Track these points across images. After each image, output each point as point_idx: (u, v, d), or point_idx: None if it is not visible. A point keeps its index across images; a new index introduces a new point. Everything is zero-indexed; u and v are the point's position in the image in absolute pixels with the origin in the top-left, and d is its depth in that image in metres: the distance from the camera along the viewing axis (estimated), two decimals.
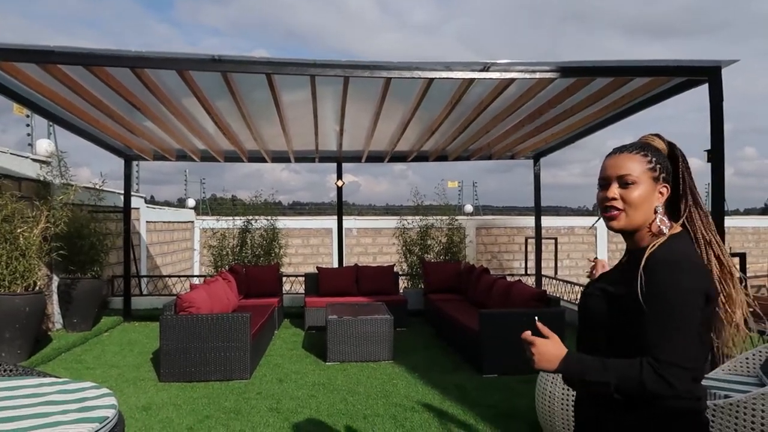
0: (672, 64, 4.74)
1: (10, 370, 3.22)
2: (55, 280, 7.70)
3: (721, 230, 4.78)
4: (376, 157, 9.61)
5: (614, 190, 1.63)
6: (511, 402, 4.87)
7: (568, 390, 3.68)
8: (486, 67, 4.64)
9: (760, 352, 3.83)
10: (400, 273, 10.41)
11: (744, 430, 3.17)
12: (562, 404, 3.70)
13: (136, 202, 11.13)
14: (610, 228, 1.68)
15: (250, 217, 10.68)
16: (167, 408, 4.74)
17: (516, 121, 6.85)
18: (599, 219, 1.76)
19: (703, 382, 4.15)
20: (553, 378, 3.76)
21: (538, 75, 4.72)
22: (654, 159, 1.63)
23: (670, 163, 1.66)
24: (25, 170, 7.23)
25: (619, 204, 1.62)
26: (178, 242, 14.11)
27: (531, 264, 11.61)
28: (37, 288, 6.44)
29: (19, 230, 6.28)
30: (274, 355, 6.70)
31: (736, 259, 5.75)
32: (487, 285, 7.31)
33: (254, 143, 8.18)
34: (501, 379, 5.59)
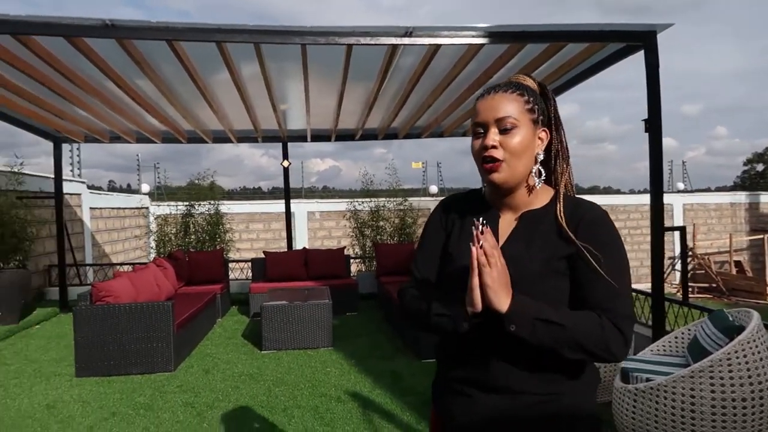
0: (606, 28, 4.47)
1: None
2: None
3: (659, 204, 4.55)
4: (321, 136, 9.20)
5: (493, 136, 1.36)
6: None
7: None
8: (408, 32, 4.31)
9: (689, 330, 3.60)
10: (353, 256, 10.12)
11: (664, 414, 2.95)
12: None
13: (77, 187, 10.62)
14: (490, 183, 1.40)
15: (194, 202, 10.25)
16: (73, 405, 4.40)
17: (456, 96, 6.54)
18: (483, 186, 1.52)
19: (629, 364, 3.88)
20: None
21: (465, 40, 4.41)
22: (531, 99, 1.39)
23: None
24: None
25: (499, 153, 1.35)
26: (131, 229, 13.62)
27: None
28: None
29: None
30: (209, 344, 6.38)
31: (677, 233, 5.55)
32: None
33: (187, 123, 7.75)
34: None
